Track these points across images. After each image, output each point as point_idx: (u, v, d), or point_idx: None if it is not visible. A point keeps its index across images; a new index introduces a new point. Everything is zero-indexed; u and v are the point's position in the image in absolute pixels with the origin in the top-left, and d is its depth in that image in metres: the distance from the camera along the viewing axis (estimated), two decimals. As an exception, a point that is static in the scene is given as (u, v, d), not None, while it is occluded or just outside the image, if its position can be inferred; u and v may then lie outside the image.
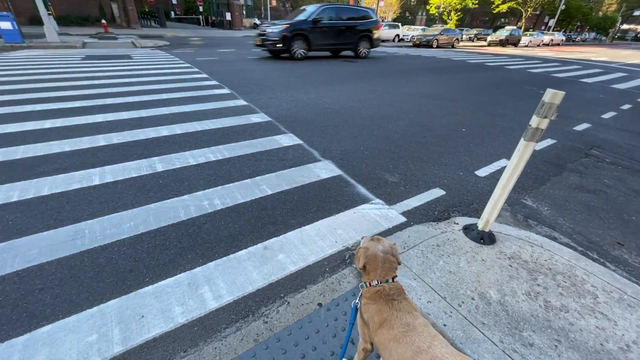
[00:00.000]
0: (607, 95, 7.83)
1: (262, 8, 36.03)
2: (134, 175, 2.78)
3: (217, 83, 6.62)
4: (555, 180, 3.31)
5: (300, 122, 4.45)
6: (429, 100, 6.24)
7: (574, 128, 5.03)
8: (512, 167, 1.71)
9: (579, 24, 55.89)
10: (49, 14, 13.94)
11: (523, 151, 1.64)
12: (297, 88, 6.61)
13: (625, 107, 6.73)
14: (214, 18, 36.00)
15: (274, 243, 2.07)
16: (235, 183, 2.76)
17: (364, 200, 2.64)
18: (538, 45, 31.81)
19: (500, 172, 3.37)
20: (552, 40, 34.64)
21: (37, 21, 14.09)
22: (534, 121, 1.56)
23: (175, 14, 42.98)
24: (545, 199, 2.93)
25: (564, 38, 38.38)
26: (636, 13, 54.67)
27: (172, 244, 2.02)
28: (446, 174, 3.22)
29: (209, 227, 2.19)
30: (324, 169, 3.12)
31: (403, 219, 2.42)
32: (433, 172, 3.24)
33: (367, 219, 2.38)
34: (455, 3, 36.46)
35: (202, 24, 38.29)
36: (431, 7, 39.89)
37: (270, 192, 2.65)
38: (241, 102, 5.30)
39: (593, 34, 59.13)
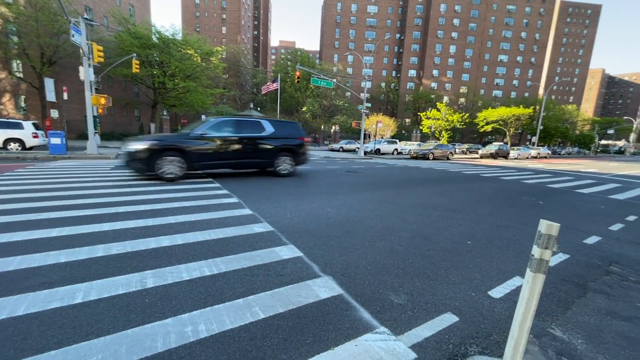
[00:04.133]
0: (609, 207, 7.92)
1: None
2: (121, 292, 2.62)
3: (227, 192, 7.03)
4: (581, 304, 2.98)
5: (302, 233, 4.45)
6: (430, 210, 6.37)
7: (584, 241, 4.87)
8: (525, 300, 1.55)
9: (559, 140, 62.20)
10: (95, 133, 16.36)
11: (533, 283, 1.52)
12: (302, 197, 6.94)
13: (631, 218, 6.69)
14: (235, 135, 41.64)
15: (259, 388, 1.73)
16: (226, 303, 2.55)
17: (367, 328, 2.35)
18: (527, 158, 34.57)
19: (516, 292, 3.08)
20: (538, 153, 37.89)
21: (85, 136, 16.61)
22: (536, 252, 1.50)
23: (203, 131, 50.07)
24: (575, 328, 2.57)
25: (549, 152, 42.10)
26: (610, 131, 61.44)
27: (138, 386, 1.71)
28: (457, 295, 2.95)
29: (186, 363, 1.89)
30: (323, 287, 2.91)
31: (413, 355, 2.08)
32: (442, 292, 2.98)
33: (371, 356, 2.05)
34: (444, 125, 41.99)
35: (224, 139, 44.03)
36: (423, 127, 45.81)
37: (262, 316, 2.40)
38: (247, 211, 5.48)
39: (576, 148, 64.87)
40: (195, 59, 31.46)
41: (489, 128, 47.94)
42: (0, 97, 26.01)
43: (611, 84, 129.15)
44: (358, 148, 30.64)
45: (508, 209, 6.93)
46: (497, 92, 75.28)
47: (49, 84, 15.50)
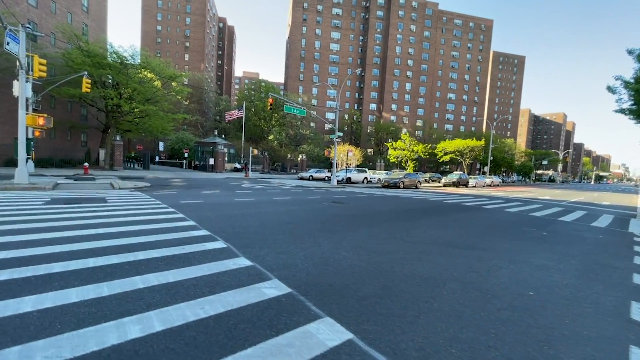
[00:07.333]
0: (607, 236, 7.88)
1: (242, 155, 40.29)
2: None
3: (208, 233, 5.59)
4: None
5: (331, 294, 3.29)
6: (453, 249, 5.59)
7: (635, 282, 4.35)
8: None
9: (504, 169, 68.75)
10: (28, 158, 13.61)
11: None
12: (303, 237, 5.76)
13: None
14: (196, 162, 38.93)
15: None
16: None
17: None
18: (483, 186, 36.98)
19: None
20: (492, 182, 40.93)
21: (15, 163, 13.77)
22: None
23: (160, 159, 46.35)
24: None
25: (500, 180, 45.82)
26: (544, 162, 69.66)
27: None
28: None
29: None
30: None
31: None
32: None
33: None
34: (409, 155, 43.88)
35: (184, 167, 40.93)
36: (391, 157, 47.41)
37: None
38: (243, 261, 4.16)
39: (515, 176, 72.13)
40: (156, 83, 29.49)
41: (447, 158, 51.21)
42: None
43: (537, 122, 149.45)
44: (327, 177, 30.28)
45: (523, 244, 6.42)
46: (449, 126, 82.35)
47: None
